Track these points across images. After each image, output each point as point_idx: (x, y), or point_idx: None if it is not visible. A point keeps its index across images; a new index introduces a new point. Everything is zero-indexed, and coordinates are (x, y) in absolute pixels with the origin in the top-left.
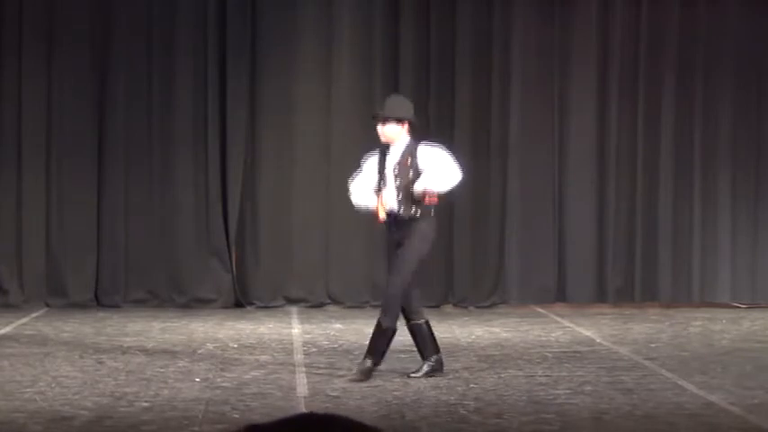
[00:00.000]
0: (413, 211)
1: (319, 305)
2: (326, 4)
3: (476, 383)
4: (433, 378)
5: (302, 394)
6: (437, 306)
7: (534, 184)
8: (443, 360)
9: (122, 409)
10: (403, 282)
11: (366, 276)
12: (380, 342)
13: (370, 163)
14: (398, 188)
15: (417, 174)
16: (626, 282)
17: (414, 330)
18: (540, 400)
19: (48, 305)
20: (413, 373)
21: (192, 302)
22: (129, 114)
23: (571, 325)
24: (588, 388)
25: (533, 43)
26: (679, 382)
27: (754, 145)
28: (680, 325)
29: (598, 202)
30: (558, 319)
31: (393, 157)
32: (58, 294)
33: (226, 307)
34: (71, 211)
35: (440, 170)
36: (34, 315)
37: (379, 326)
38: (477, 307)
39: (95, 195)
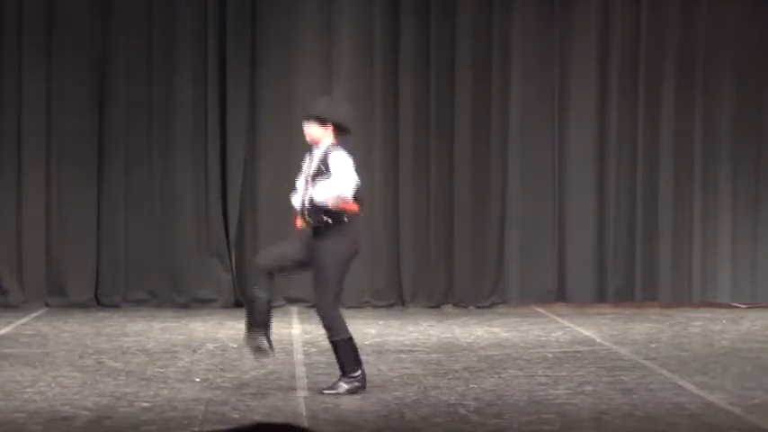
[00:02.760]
0: (318, 219)
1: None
2: (326, 4)
3: (476, 383)
4: (432, 378)
5: (302, 394)
6: (437, 306)
7: (534, 183)
8: (365, 376)
9: (122, 409)
10: (328, 301)
11: (366, 276)
12: (347, 355)
13: (305, 165)
14: (304, 196)
15: (322, 181)
16: (626, 282)
17: (336, 346)
18: (540, 400)
19: (48, 305)
20: (326, 389)
21: (192, 302)
22: (129, 114)
23: (571, 325)
24: (588, 388)
25: (533, 43)
26: (679, 382)
27: (754, 145)
28: (680, 325)
29: (598, 201)
30: (558, 319)
31: (311, 162)
32: (57, 294)
33: (226, 307)
34: (71, 211)
35: (330, 180)
36: (34, 315)
37: (334, 345)
38: (477, 307)
39: (95, 195)
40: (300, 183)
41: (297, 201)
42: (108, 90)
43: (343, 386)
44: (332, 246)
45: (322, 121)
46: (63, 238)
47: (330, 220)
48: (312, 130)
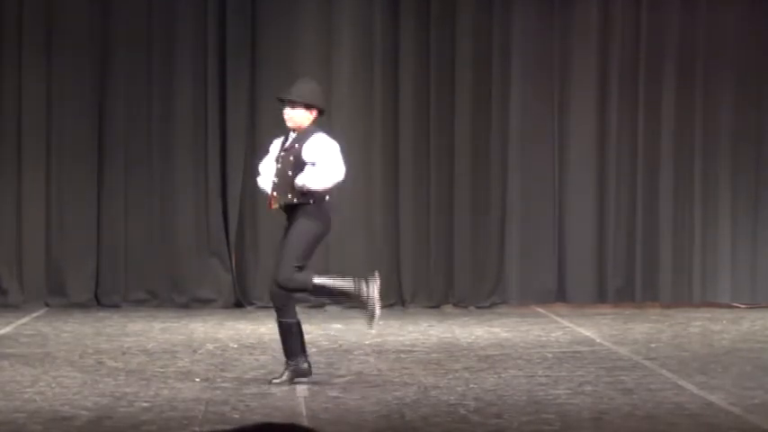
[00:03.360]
0: (290, 197)
1: (319, 305)
2: (326, 4)
3: (476, 383)
4: (432, 378)
5: (302, 395)
6: (437, 306)
7: (534, 184)
8: (310, 364)
9: (122, 409)
10: (288, 273)
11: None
12: (293, 341)
13: (272, 147)
14: (278, 174)
15: (298, 162)
16: (626, 282)
17: (283, 328)
18: (540, 400)
19: (48, 305)
20: (275, 378)
21: (192, 302)
22: (129, 114)
23: (571, 325)
24: (588, 388)
25: (533, 43)
26: (679, 382)
27: (754, 145)
28: (680, 325)
29: (598, 201)
30: (558, 319)
31: (287, 143)
32: (57, 294)
33: (226, 307)
34: (71, 212)
35: (321, 167)
36: (34, 315)
37: (281, 325)
38: (478, 307)
39: (95, 196)
40: (268, 164)
41: (267, 182)
42: (108, 90)
43: (287, 374)
44: (307, 221)
45: (308, 106)
46: (63, 238)
47: (311, 201)
48: (297, 115)
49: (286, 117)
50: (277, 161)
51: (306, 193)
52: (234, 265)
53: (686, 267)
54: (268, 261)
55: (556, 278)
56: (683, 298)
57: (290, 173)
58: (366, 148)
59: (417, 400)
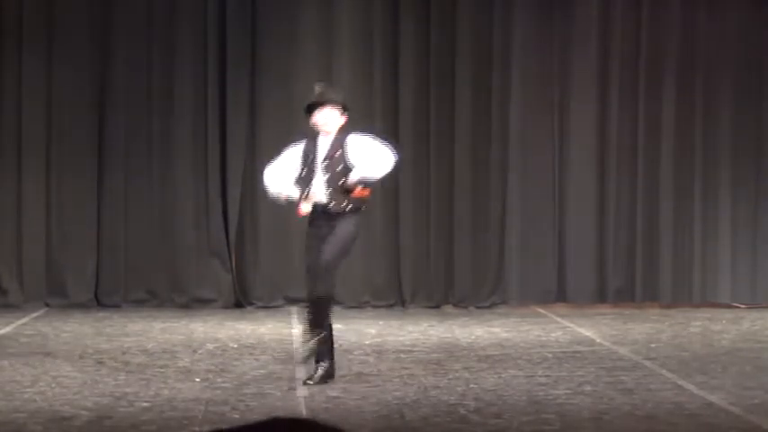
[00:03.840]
0: (343, 205)
1: None
2: (327, 5)
3: (476, 383)
4: (432, 378)
5: (302, 394)
6: (437, 306)
7: (534, 184)
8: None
9: (122, 409)
10: (336, 261)
11: (366, 276)
12: (325, 314)
13: (294, 153)
14: (328, 181)
15: (347, 166)
16: (626, 282)
17: (322, 301)
18: (540, 400)
19: (48, 305)
20: (308, 379)
21: (192, 302)
22: (129, 115)
23: (571, 325)
24: (588, 388)
25: (533, 43)
26: (679, 382)
27: (754, 145)
28: (680, 325)
29: (598, 202)
30: (558, 319)
31: (323, 149)
32: (57, 294)
33: (226, 307)
34: (71, 212)
35: (373, 157)
36: (34, 315)
37: (319, 300)
38: (477, 307)
39: (95, 196)
40: (283, 169)
41: (286, 187)
42: (108, 91)
43: (320, 373)
44: (352, 227)
45: (344, 108)
46: (63, 238)
47: (351, 206)
48: (334, 118)
49: (321, 121)
50: (323, 168)
51: (354, 198)
52: (234, 265)
53: (686, 267)
54: (268, 261)
55: (556, 278)
56: (683, 298)
57: (341, 181)
58: None
59: (417, 400)
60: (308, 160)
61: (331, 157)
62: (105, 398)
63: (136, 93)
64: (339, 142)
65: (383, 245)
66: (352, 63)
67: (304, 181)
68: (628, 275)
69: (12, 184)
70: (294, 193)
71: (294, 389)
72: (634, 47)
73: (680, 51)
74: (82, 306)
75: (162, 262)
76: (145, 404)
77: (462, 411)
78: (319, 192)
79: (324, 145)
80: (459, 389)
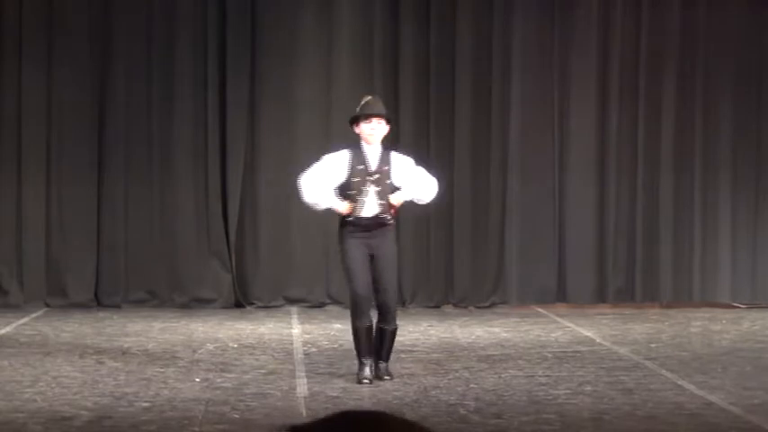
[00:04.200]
0: (389, 217)
1: (319, 305)
2: (326, 5)
3: (476, 383)
4: (432, 378)
5: (302, 394)
6: (437, 306)
7: (534, 184)
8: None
9: (122, 409)
10: (396, 286)
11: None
12: (388, 344)
13: (336, 162)
14: (379, 193)
15: (393, 182)
16: (626, 282)
17: (383, 334)
18: (540, 400)
19: (48, 305)
20: (386, 376)
21: (192, 302)
22: (129, 114)
23: (571, 325)
24: (588, 388)
25: (533, 43)
26: (679, 382)
27: (754, 145)
28: (680, 325)
29: (598, 202)
30: (558, 319)
31: (372, 161)
32: (58, 294)
33: (226, 307)
34: (71, 212)
35: (422, 182)
36: (34, 315)
37: (394, 332)
38: (477, 307)
39: (95, 196)
40: (351, 179)
41: (367, 199)
42: (108, 91)
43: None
44: (395, 247)
45: (389, 120)
46: (63, 238)
47: (392, 220)
48: (382, 129)
49: (373, 132)
50: (374, 180)
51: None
52: (234, 265)
53: (686, 267)
54: (268, 261)
55: (556, 278)
56: (683, 298)
57: (389, 193)
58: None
59: (417, 400)
60: (357, 170)
61: (381, 170)
62: (105, 398)
63: (136, 93)
64: (386, 156)
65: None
66: (352, 63)
67: (354, 190)
68: (628, 275)
69: (12, 184)
70: (335, 201)
71: (294, 389)
72: (634, 47)
73: (680, 51)
74: (82, 306)
75: (162, 262)
76: (145, 404)
77: (462, 411)
78: (370, 202)
79: (372, 157)
80: (459, 389)
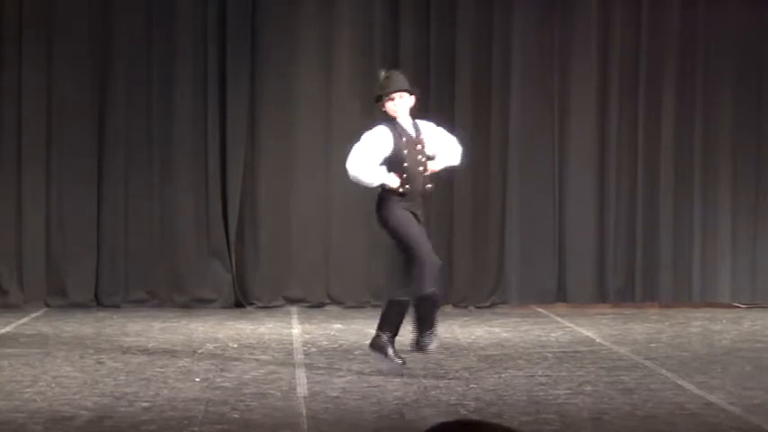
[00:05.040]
0: (431, 186)
1: (319, 305)
2: (326, 5)
3: (476, 383)
4: (432, 378)
5: (302, 394)
6: None
7: (534, 184)
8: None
9: (122, 409)
10: None
11: (366, 276)
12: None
13: (381, 139)
14: (423, 163)
15: (427, 149)
16: (626, 282)
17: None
18: (540, 400)
19: (48, 305)
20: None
21: (192, 302)
22: (129, 114)
23: (571, 325)
24: (588, 388)
25: (533, 43)
26: (679, 382)
27: (754, 145)
28: (680, 325)
29: (598, 202)
30: (558, 319)
31: (409, 132)
32: (57, 294)
33: (226, 307)
34: (71, 212)
35: (450, 146)
36: (34, 315)
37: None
38: (477, 307)
39: (95, 196)
40: (398, 153)
41: (415, 171)
42: (108, 90)
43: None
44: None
45: (411, 92)
46: (63, 238)
47: (432, 187)
48: (409, 102)
49: (397, 107)
50: (416, 151)
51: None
52: (234, 265)
53: (686, 267)
54: (268, 261)
55: (556, 278)
56: (683, 298)
57: (428, 162)
58: None
59: (417, 400)
60: (403, 142)
61: (419, 140)
62: (105, 398)
63: (136, 93)
64: (417, 126)
65: (384, 245)
66: (353, 63)
67: (405, 162)
68: (628, 275)
69: (12, 184)
70: (385, 176)
71: (294, 389)
72: (634, 47)
73: (680, 51)
74: (82, 306)
75: (162, 262)
76: (145, 404)
77: (462, 411)
78: (419, 174)
79: (408, 129)
80: (459, 389)
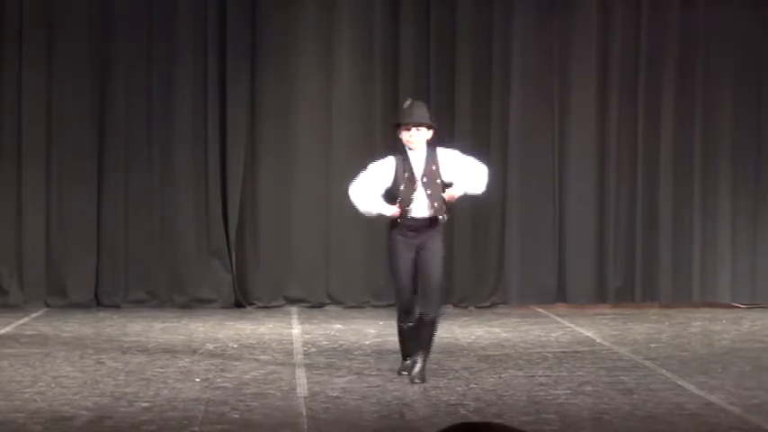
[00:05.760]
0: (443, 217)
1: (319, 305)
2: (327, 5)
3: (476, 383)
4: (432, 378)
5: (302, 394)
6: None
7: (534, 184)
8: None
9: (122, 409)
10: (443, 283)
11: (366, 276)
12: (434, 334)
13: (383, 170)
14: (430, 196)
15: (443, 180)
16: (626, 282)
17: (421, 322)
18: (540, 400)
19: (48, 305)
20: (417, 379)
21: (192, 302)
22: (129, 114)
23: (571, 325)
24: (588, 388)
25: (533, 43)
26: (679, 382)
27: (754, 145)
28: (680, 325)
29: (598, 202)
30: (558, 319)
31: (418, 164)
32: (57, 294)
33: (226, 307)
34: (71, 212)
35: (473, 174)
36: (34, 315)
37: (433, 322)
38: (477, 307)
39: (95, 196)
40: (398, 184)
41: (418, 203)
42: (108, 90)
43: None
44: (442, 244)
45: (431, 126)
46: (63, 238)
47: (446, 217)
48: (425, 136)
49: (411, 139)
50: (422, 183)
51: (445, 210)
52: (234, 265)
53: (686, 267)
54: (268, 261)
55: (556, 278)
56: (683, 298)
57: (441, 192)
58: (367, 148)
59: (417, 400)
60: (405, 176)
61: (428, 172)
62: (105, 398)
63: (136, 93)
64: (432, 157)
65: (384, 245)
66: (353, 64)
67: (404, 195)
68: (628, 275)
69: (12, 184)
70: (384, 207)
71: (294, 389)
72: (634, 47)
73: (680, 51)
74: (82, 306)
75: (162, 262)
76: (145, 404)
77: (462, 411)
78: (421, 205)
79: (418, 160)
80: (459, 389)
